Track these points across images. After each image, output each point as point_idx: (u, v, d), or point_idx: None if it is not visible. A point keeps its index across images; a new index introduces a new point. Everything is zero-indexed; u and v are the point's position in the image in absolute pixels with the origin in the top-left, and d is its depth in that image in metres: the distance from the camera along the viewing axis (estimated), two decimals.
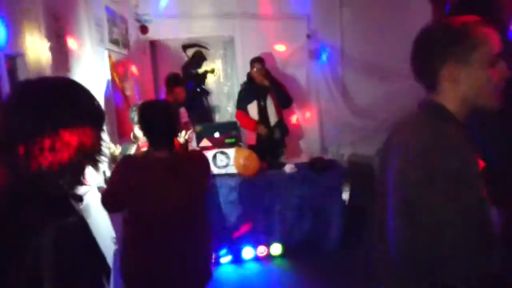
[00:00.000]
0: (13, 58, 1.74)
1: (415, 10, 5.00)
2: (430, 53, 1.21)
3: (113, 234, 2.76)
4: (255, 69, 4.36)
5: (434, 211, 1.08)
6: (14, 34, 1.74)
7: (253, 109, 4.47)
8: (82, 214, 1.13)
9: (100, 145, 1.09)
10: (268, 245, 3.76)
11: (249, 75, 4.49)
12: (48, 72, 2.01)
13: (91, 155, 1.08)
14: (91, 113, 1.07)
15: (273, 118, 4.46)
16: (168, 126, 2.04)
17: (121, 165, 2.05)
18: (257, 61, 4.40)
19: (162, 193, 1.95)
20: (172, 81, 4.26)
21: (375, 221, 1.36)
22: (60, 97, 1.02)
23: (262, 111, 4.45)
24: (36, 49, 1.92)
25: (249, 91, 4.47)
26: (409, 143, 1.18)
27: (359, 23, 5.17)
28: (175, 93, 4.18)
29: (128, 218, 2.04)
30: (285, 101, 4.50)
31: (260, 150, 3.99)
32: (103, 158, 1.12)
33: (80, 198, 1.17)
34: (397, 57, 5.16)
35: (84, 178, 1.11)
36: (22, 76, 1.81)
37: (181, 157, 2.14)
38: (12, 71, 1.72)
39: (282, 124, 4.58)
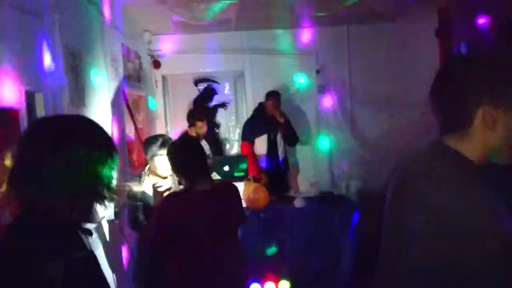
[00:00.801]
0: (32, 94, 1.80)
1: (422, 44, 5.10)
2: (468, 89, 1.01)
3: (121, 266, 2.73)
4: (270, 102, 4.41)
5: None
6: (34, 70, 1.81)
7: (261, 142, 4.47)
8: (91, 248, 1.14)
9: (111, 182, 1.11)
10: (276, 281, 3.68)
11: (261, 106, 4.51)
12: (65, 108, 2.07)
13: (100, 192, 1.09)
14: (104, 151, 1.09)
15: (281, 153, 4.50)
16: (205, 159, 2.23)
17: (166, 205, 2.15)
18: (273, 94, 4.46)
19: (210, 225, 2.08)
20: (194, 115, 4.39)
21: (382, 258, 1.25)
22: (74, 133, 1.05)
23: (272, 144, 4.46)
24: (54, 85, 1.99)
25: (259, 123, 4.48)
26: (422, 194, 1.06)
27: (367, 57, 5.27)
28: (197, 127, 4.29)
29: (171, 257, 2.13)
30: (292, 139, 4.55)
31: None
32: (112, 195, 1.13)
33: (89, 232, 1.18)
34: (405, 91, 5.28)
35: (93, 214, 1.12)
36: (39, 111, 1.87)
37: (221, 188, 2.28)
38: (30, 106, 1.78)
39: (287, 160, 4.62)
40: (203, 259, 2.09)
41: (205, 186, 2.15)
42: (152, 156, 2.70)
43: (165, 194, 2.35)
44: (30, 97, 1.76)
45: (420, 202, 1.05)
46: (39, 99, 1.82)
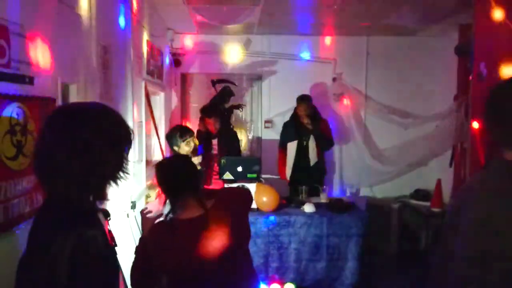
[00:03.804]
0: (67, 86, 1.89)
1: (440, 60, 5.14)
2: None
3: None
4: (299, 107, 4.41)
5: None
6: (71, 63, 1.90)
7: (292, 147, 4.50)
8: (105, 229, 1.18)
9: (122, 164, 1.15)
10: (282, 283, 3.74)
11: (295, 112, 4.53)
12: (93, 99, 2.16)
13: (113, 173, 1.14)
14: (115, 135, 1.13)
15: (313, 159, 4.47)
16: (192, 179, 1.83)
17: (148, 241, 1.81)
18: (303, 99, 4.43)
19: (202, 256, 1.71)
20: (205, 112, 4.47)
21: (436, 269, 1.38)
22: (84, 120, 1.09)
23: (302, 150, 4.47)
24: (87, 78, 2.08)
25: (292, 128, 4.51)
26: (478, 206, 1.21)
27: (384, 69, 5.32)
28: (205, 123, 4.38)
29: None
30: (324, 144, 4.51)
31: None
32: (125, 175, 1.18)
33: (107, 214, 1.25)
34: (420, 104, 5.30)
35: (106, 193, 1.17)
36: (72, 101, 1.96)
37: (214, 211, 1.80)
38: (64, 97, 1.87)
39: (321, 165, 4.59)
40: None
41: (194, 212, 1.76)
42: (175, 146, 2.99)
43: (156, 221, 1.90)
44: (65, 88, 1.85)
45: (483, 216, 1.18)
46: (73, 90, 1.91)
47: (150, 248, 1.77)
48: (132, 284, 1.77)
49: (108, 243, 1.16)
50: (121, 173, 1.15)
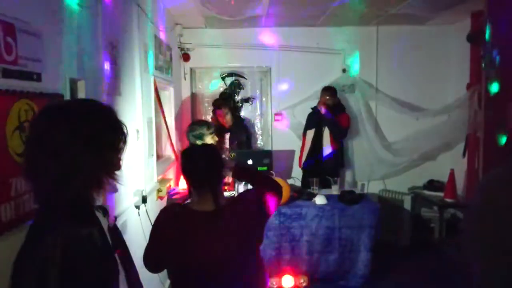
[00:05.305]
0: (75, 81, 1.90)
1: (452, 48, 5.05)
2: None
3: None
4: (321, 97, 4.60)
5: None
6: (78, 59, 1.90)
7: (310, 135, 4.67)
8: (103, 226, 1.16)
9: (113, 162, 1.14)
10: (294, 275, 3.74)
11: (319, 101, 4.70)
12: (102, 95, 2.17)
13: (110, 172, 1.12)
14: (98, 134, 1.10)
15: (325, 149, 4.58)
16: (212, 171, 1.76)
17: (158, 221, 1.81)
18: (326, 89, 4.64)
19: (206, 252, 1.69)
20: (215, 104, 4.54)
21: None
22: (62, 120, 1.07)
23: (317, 139, 4.62)
24: (95, 74, 2.08)
25: (313, 117, 4.69)
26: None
27: (394, 59, 5.24)
28: (217, 116, 4.43)
29: (172, 278, 1.83)
30: (335, 132, 4.60)
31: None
32: (118, 173, 1.16)
33: (104, 210, 1.23)
34: (431, 95, 5.22)
35: (101, 191, 1.15)
36: (80, 97, 1.97)
37: (227, 210, 1.77)
38: (73, 93, 1.88)
39: (338, 157, 4.67)
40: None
41: (206, 207, 1.74)
42: (199, 140, 3.14)
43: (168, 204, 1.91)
44: (73, 84, 1.85)
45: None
46: (81, 86, 1.91)
47: (158, 230, 1.77)
48: (145, 265, 1.81)
49: (106, 242, 1.14)
50: (111, 172, 1.13)
